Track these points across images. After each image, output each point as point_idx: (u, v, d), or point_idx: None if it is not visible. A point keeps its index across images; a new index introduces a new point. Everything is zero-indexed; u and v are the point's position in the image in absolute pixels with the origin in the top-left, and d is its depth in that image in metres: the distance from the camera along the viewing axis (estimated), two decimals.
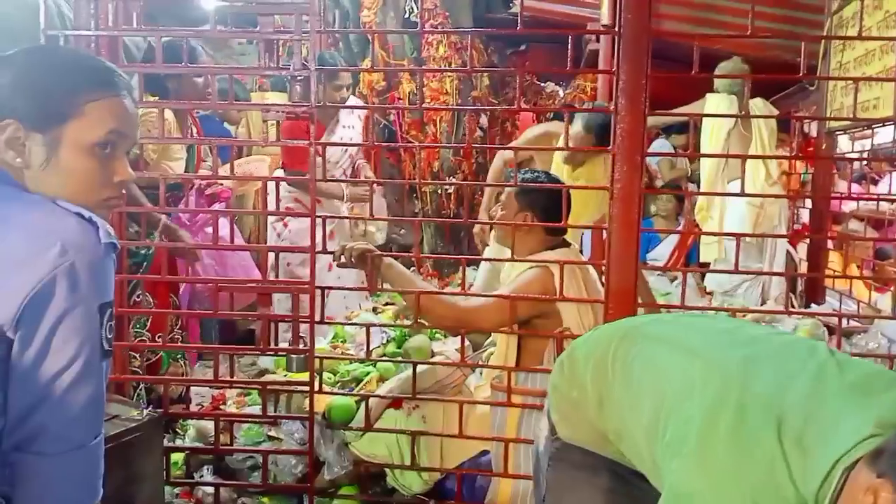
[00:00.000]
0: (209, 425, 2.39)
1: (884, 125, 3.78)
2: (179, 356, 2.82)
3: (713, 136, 4.15)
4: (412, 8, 4.57)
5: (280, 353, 2.63)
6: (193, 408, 2.91)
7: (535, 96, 5.99)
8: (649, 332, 1.43)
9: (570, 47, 2.15)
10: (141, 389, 2.62)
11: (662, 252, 5.23)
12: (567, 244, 2.46)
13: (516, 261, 2.30)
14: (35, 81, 1.13)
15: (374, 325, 2.47)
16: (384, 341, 2.79)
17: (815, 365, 1.15)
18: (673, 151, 5.71)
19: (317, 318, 2.21)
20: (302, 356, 2.33)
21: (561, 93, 6.22)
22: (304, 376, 2.27)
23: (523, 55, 5.80)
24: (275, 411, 2.39)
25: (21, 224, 1.07)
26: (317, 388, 2.23)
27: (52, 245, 1.03)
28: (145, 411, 2.08)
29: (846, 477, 0.99)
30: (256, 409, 2.45)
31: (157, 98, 2.57)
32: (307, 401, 2.25)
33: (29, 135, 1.11)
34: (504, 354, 2.34)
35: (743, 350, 1.23)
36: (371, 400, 2.32)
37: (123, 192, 1.23)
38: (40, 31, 2.12)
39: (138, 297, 2.48)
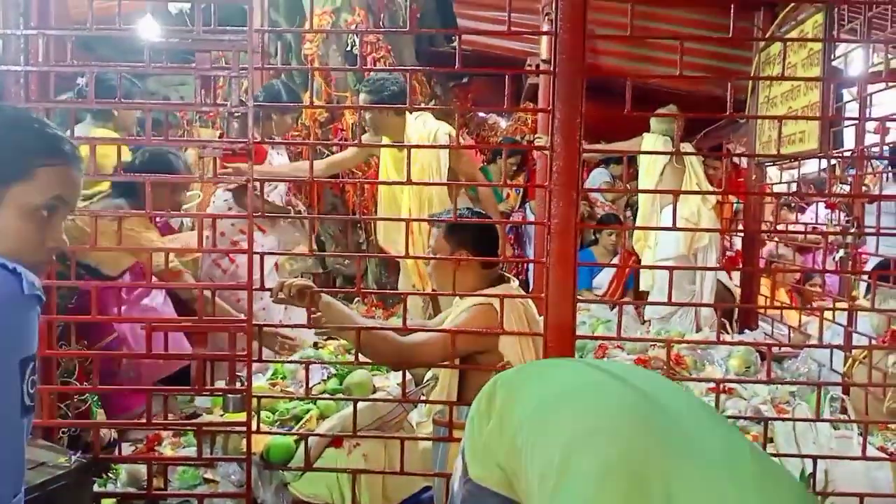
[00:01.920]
0: (142, 469, 2.32)
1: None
2: (102, 405, 2.72)
3: (648, 172, 4.32)
4: (354, 41, 4.59)
5: (216, 393, 2.57)
6: (130, 451, 2.82)
7: (478, 128, 6.09)
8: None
9: (507, 85, 2.19)
10: (66, 436, 2.52)
11: (604, 280, 5.33)
12: (507, 280, 2.47)
13: (455, 295, 2.31)
14: None
15: (314, 362, 2.44)
16: (325, 377, 2.75)
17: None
18: (611, 180, 5.86)
19: (254, 356, 2.17)
20: (239, 395, 2.28)
21: (503, 124, 6.34)
22: (242, 416, 2.22)
23: (465, 88, 5.89)
24: (211, 453, 2.33)
25: None
26: (255, 427, 2.18)
27: None
28: (73, 457, 2.01)
29: None
30: (192, 451, 2.38)
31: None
32: (245, 441, 2.20)
33: None
34: (446, 389, 2.33)
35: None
36: (311, 439, 2.28)
37: (53, 257, 1.24)
38: None
39: (60, 345, 2.38)
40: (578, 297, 2.18)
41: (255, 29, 2.09)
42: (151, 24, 4.44)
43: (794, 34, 3.79)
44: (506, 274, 2.52)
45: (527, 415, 1.31)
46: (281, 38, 4.83)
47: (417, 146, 2.97)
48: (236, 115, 2.15)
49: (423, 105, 4.66)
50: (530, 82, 5.08)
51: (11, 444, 1.03)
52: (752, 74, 4.36)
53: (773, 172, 4.88)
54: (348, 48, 4.65)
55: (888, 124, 3.52)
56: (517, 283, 2.53)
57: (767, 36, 3.87)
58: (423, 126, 3.52)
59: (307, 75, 4.74)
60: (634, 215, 5.04)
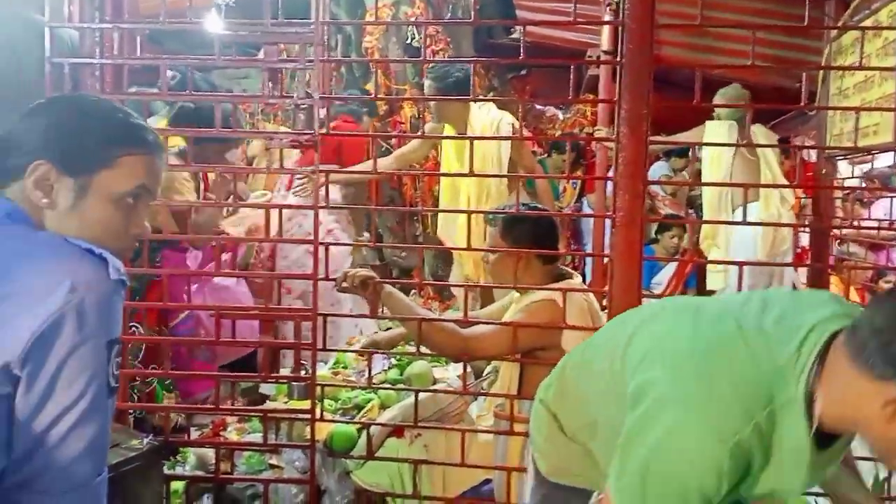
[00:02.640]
0: (210, 453, 2.38)
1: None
2: (173, 388, 2.80)
3: (714, 163, 4.14)
4: (414, 34, 4.61)
5: (281, 381, 2.62)
6: (194, 435, 2.89)
7: (536, 120, 6.04)
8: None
9: (571, 75, 2.17)
10: (132, 417, 2.60)
11: (664, 278, 5.23)
12: (569, 276, 2.42)
13: (513, 288, 2.29)
14: (75, 128, 1.18)
15: (375, 351, 2.46)
16: (386, 368, 2.77)
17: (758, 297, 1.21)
18: (672, 174, 5.72)
19: (319, 344, 2.20)
20: (303, 383, 2.32)
21: (561, 117, 6.27)
22: (306, 404, 2.26)
23: (524, 79, 5.85)
24: (276, 439, 2.38)
25: (32, 261, 1.08)
26: (318, 415, 2.22)
27: (61, 282, 1.04)
28: (145, 440, 2.07)
29: (825, 347, 1.04)
30: (258, 437, 2.43)
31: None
32: (308, 428, 2.23)
33: (59, 178, 1.15)
34: (507, 383, 2.32)
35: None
36: (373, 428, 2.30)
37: (136, 243, 1.28)
38: (45, 58, 2.14)
39: (131, 328, 2.46)
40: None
41: (321, 21, 2.11)
42: (217, 19, 4.55)
43: (868, 23, 3.64)
44: (568, 270, 2.48)
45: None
46: (341, 32, 4.88)
47: (480, 137, 2.96)
48: (302, 106, 2.16)
49: (482, 96, 4.64)
50: (590, 74, 5.01)
51: (99, 423, 1.07)
52: (823, 64, 4.20)
53: (843, 167, 4.71)
54: (408, 41, 4.67)
55: None
56: (580, 279, 2.49)
57: (841, 25, 3.72)
58: (486, 115, 3.51)
59: (368, 68, 4.79)
60: (698, 213, 4.90)
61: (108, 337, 1.08)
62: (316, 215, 2.18)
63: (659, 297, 4.38)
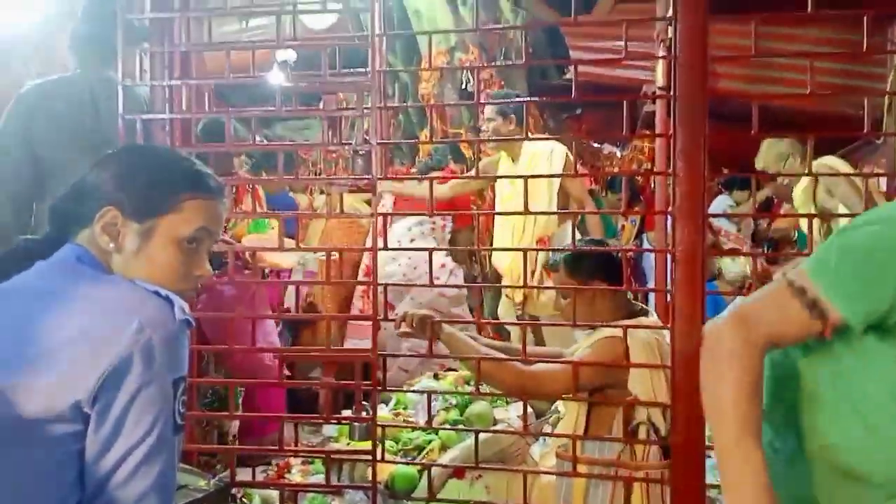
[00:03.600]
0: (274, 494, 2.40)
1: None
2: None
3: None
4: (469, 78, 4.69)
5: (343, 422, 2.64)
6: (259, 476, 2.93)
7: (593, 158, 6.03)
8: None
9: (625, 112, 2.17)
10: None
11: None
12: (644, 312, 2.37)
13: (581, 326, 2.26)
14: (140, 175, 1.24)
15: (435, 391, 2.46)
16: (445, 408, 2.77)
17: None
18: (734, 206, 5.60)
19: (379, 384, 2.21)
20: (364, 424, 2.33)
21: (618, 154, 6.25)
22: (367, 444, 2.27)
23: (578, 119, 5.86)
24: (338, 480, 2.39)
25: (101, 302, 1.13)
26: (379, 456, 2.22)
27: (130, 322, 1.08)
28: (212, 481, 2.11)
29: None
30: (320, 478, 2.45)
31: None
32: (370, 469, 2.24)
33: (126, 222, 1.21)
34: (573, 423, 2.27)
35: None
36: (433, 469, 2.28)
37: (199, 285, 1.33)
38: (119, 114, 2.27)
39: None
40: None
41: (377, 70, 2.18)
42: (279, 74, 4.75)
43: None
44: (643, 306, 2.43)
45: None
46: (398, 80, 5.02)
47: (532, 176, 3.00)
48: (361, 152, 2.22)
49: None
50: (645, 111, 4.99)
51: (165, 461, 1.10)
52: (888, 90, 4.10)
53: None
54: (463, 86, 4.76)
55: None
56: (655, 317, 2.42)
57: None
58: (540, 144, 3.62)
59: (423, 114, 4.89)
60: (769, 247, 4.77)
61: (175, 375, 1.11)
62: (374, 257, 2.22)
63: None
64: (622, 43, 2.18)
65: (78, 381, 1.05)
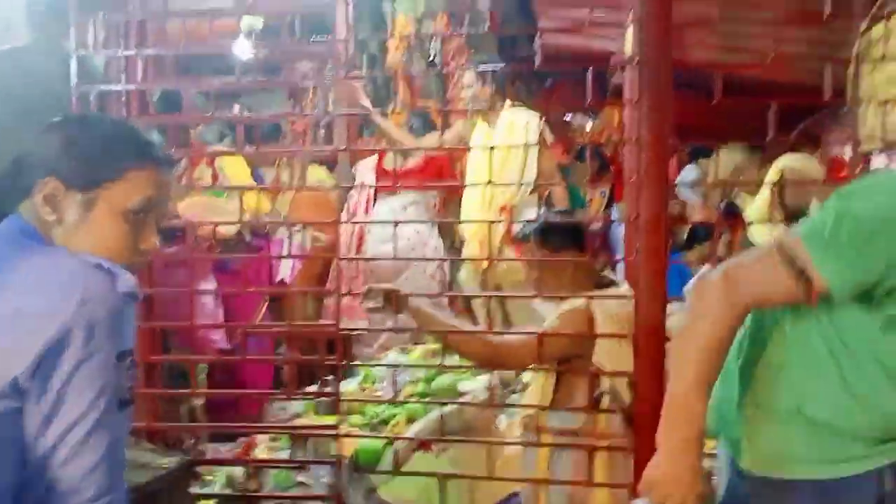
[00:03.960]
0: (238, 471, 2.38)
1: None
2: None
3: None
4: (436, 49, 4.63)
5: (307, 397, 2.62)
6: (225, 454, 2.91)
7: (564, 130, 5.99)
8: None
9: (589, 79, 2.14)
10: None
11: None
12: (613, 283, 2.36)
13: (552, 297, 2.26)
14: (83, 145, 1.19)
15: (402, 365, 2.45)
16: (412, 381, 2.76)
17: None
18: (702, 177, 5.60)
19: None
20: (328, 399, 2.32)
21: (589, 125, 6.22)
22: (333, 420, 2.25)
23: (550, 91, 5.82)
24: (303, 456, 2.37)
25: (42, 275, 1.09)
26: (343, 431, 2.20)
27: (71, 296, 1.05)
28: (174, 459, 2.08)
29: None
30: (287, 454, 2.44)
31: None
32: (335, 445, 2.23)
33: (67, 193, 1.16)
34: (539, 393, 2.28)
35: None
36: (398, 442, 2.28)
37: (146, 258, 1.28)
38: (72, 86, 2.19)
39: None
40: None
41: (339, 38, 2.13)
42: (244, 44, 4.62)
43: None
44: (613, 278, 2.42)
45: None
46: (366, 51, 4.92)
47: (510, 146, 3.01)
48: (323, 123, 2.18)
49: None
50: (615, 82, 4.96)
51: (109, 438, 1.07)
52: (852, 59, 4.11)
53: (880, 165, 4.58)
54: (431, 57, 4.69)
55: None
56: (627, 287, 2.41)
57: (867, 15, 3.63)
58: (517, 113, 3.63)
59: (390, 85, 4.81)
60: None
61: (119, 349, 1.08)
62: (337, 229, 2.18)
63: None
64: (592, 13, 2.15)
65: (17, 357, 1.02)
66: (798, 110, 5.37)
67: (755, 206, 3.83)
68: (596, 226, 5.12)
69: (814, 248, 1.17)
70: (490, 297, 2.40)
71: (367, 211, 4.22)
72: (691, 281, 5.07)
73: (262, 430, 2.60)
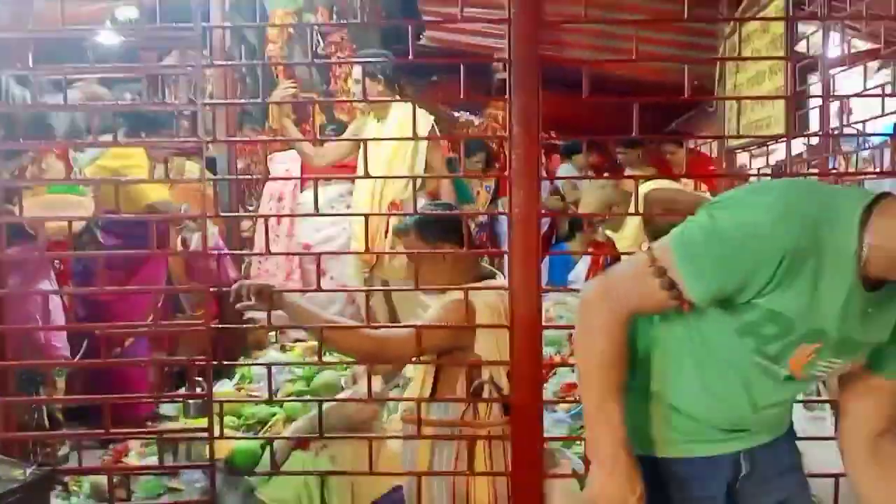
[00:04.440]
0: (105, 479, 2.26)
1: (776, 142, 3.96)
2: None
3: None
4: (319, 41, 4.55)
5: (177, 399, 2.52)
6: (96, 461, 2.75)
7: (450, 125, 6.05)
8: None
9: (461, 75, 2.15)
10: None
11: (581, 274, 5.30)
12: (493, 275, 2.36)
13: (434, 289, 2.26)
14: None
15: (276, 363, 2.38)
16: (291, 379, 2.70)
17: None
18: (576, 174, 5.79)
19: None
20: (200, 401, 2.23)
21: (475, 122, 6.31)
22: (204, 422, 2.17)
23: (434, 85, 5.85)
24: (175, 460, 2.27)
25: None
26: (217, 433, 2.13)
27: None
28: (29, 470, 1.94)
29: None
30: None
31: None
32: (208, 448, 2.14)
33: None
34: (420, 386, 2.27)
35: None
36: (276, 442, 2.22)
37: None
38: None
39: None
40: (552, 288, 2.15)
41: (203, 24, 2.04)
42: (110, 32, 4.39)
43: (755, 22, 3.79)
44: (492, 269, 2.44)
45: None
46: (244, 41, 4.77)
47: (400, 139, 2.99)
48: (186, 113, 2.08)
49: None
50: (498, 78, 5.05)
51: None
52: (714, 61, 4.36)
53: (744, 161, 4.89)
54: (314, 49, 4.60)
55: (851, 105, 3.53)
56: (503, 279, 2.44)
57: (728, 18, 3.86)
58: (406, 110, 3.63)
59: (271, 77, 4.69)
60: None
61: None
62: (204, 223, 2.10)
63: (567, 289, 4.42)
64: (474, 10, 2.17)
65: None
66: (674, 109, 5.66)
67: (625, 236, 3.96)
68: (481, 219, 5.23)
69: (682, 261, 1.23)
70: (368, 291, 2.37)
71: (294, 199, 4.36)
72: (576, 268, 5.27)
73: (127, 436, 2.47)
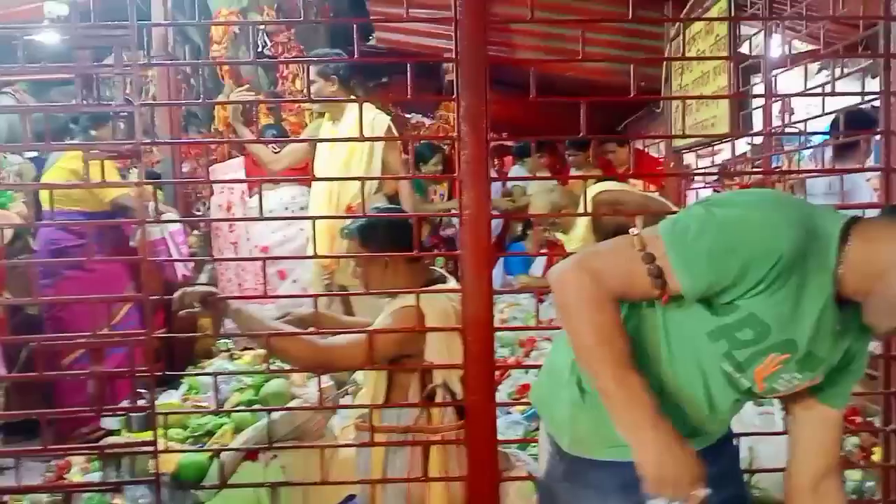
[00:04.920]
0: (45, 498, 2.16)
1: (721, 141, 4.03)
2: None
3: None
4: (265, 42, 4.47)
5: (119, 413, 2.42)
6: (37, 479, 2.64)
7: (402, 127, 6.02)
8: None
9: (408, 75, 2.12)
10: None
11: (538, 271, 5.33)
12: (442, 279, 2.34)
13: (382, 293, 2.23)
14: None
15: (223, 373, 2.32)
16: (239, 388, 2.63)
17: None
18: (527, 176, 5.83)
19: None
20: (142, 413, 2.15)
21: (427, 123, 6.30)
22: (148, 435, 2.09)
23: (386, 87, 5.82)
24: (118, 476, 2.19)
25: None
26: (162, 446, 2.05)
27: None
28: None
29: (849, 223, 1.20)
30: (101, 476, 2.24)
31: None
32: (152, 462, 2.07)
33: None
34: (372, 393, 2.24)
35: None
36: (224, 454, 2.16)
37: None
38: None
39: None
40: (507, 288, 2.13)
41: (137, 22, 1.97)
42: (49, 31, 4.23)
43: (699, 23, 3.86)
44: (442, 272, 2.41)
45: None
46: (189, 42, 4.66)
47: (350, 139, 2.95)
48: (122, 114, 2.01)
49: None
50: (448, 79, 5.04)
51: None
52: (659, 61, 4.42)
53: (691, 161, 4.97)
54: (259, 49, 4.52)
55: (793, 105, 3.62)
56: (454, 282, 2.42)
57: (672, 18, 3.92)
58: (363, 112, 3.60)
59: (216, 79, 4.60)
60: None
61: None
62: (143, 228, 2.03)
63: (517, 290, 4.43)
64: (422, 11, 2.14)
65: None
66: (622, 110, 5.73)
67: (574, 237, 3.98)
68: (435, 222, 5.19)
69: (675, 251, 1.20)
70: (317, 297, 2.32)
71: (244, 205, 4.38)
72: (533, 266, 5.29)
73: (68, 452, 2.37)
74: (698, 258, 1.18)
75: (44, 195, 3.16)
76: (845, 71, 2.39)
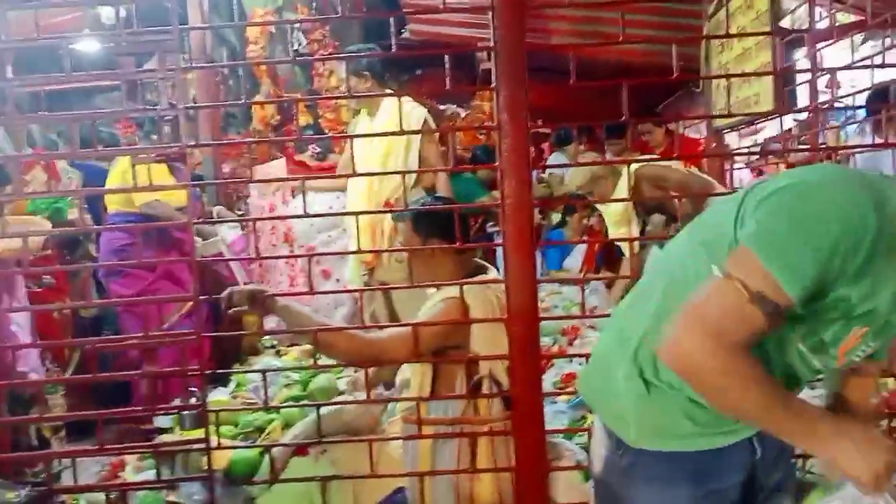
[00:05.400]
0: (101, 497, 2.21)
1: (765, 119, 3.93)
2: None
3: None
4: (301, 40, 4.49)
5: (171, 412, 2.47)
6: (93, 478, 2.71)
7: (437, 119, 6.01)
8: None
9: (446, 66, 2.11)
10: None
11: (576, 261, 5.28)
12: (485, 269, 2.33)
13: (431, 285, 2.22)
14: None
15: (272, 369, 2.34)
16: (286, 384, 2.66)
17: None
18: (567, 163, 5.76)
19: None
20: (194, 411, 2.19)
21: (462, 114, 6.28)
22: (200, 433, 2.13)
23: (420, 80, 5.81)
24: (172, 473, 2.23)
25: None
26: (214, 443, 2.08)
27: None
28: (24, 491, 1.91)
29: None
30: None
31: None
32: (206, 459, 2.10)
33: None
34: (418, 386, 2.24)
35: None
36: (274, 450, 2.18)
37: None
38: None
39: None
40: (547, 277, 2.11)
41: (179, 27, 1.99)
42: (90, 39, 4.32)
43: None
44: (484, 263, 2.40)
45: None
46: (226, 43, 4.72)
47: (387, 133, 2.95)
48: (167, 118, 2.04)
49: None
50: (483, 69, 5.00)
51: None
52: (700, 39, 4.32)
53: (733, 141, 4.86)
54: (295, 48, 4.54)
55: (839, 79, 3.50)
56: (496, 272, 2.40)
57: None
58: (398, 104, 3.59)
59: (253, 79, 4.64)
60: None
61: None
62: (190, 230, 2.06)
63: (564, 279, 4.41)
64: (454, 1, 2.11)
65: None
66: (660, 92, 5.62)
67: (613, 210, 3.93)
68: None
69: (771, 259, 1.12)
70: (362, 291, 2.33)
71: (287, 206, 4.41)
72: (571, 255, 5.24)
73: (128, 450, 2.42)
74: (802, 256, 1.11)
75: (109, 198, 3.35)
76: (894, 42, 2.31)
